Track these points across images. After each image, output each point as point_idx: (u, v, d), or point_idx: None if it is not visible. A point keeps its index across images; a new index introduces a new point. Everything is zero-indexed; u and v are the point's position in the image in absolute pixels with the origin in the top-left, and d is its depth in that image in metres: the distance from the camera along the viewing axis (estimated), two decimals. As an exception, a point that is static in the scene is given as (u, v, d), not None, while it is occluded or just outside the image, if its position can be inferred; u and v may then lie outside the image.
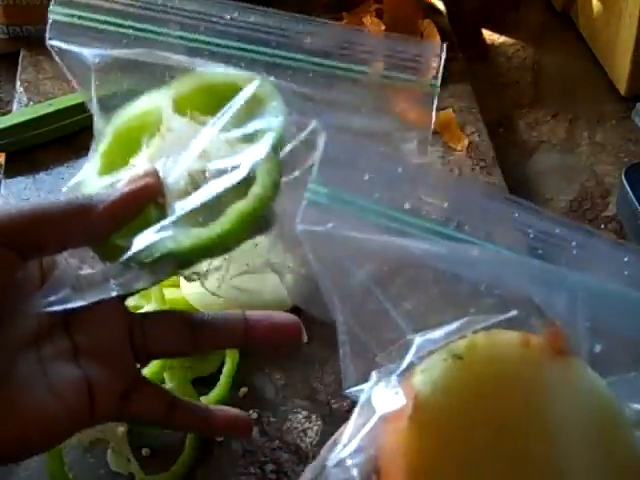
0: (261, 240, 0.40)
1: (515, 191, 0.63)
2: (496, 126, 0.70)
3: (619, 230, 0.62)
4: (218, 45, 0.40)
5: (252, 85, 0.39)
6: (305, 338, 0.43)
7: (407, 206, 0.31)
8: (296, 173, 0.31)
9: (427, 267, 0.31)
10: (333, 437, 0.31)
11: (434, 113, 0.34)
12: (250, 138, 0.39)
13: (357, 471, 0.29)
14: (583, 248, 0.31)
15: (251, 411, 0.50)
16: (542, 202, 0.64)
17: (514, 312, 0.31)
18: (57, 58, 0.40)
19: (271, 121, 0.39)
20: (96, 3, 0.40)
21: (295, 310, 0.44)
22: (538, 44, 0.78)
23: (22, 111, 0.68)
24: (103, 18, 0.40)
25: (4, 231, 0.36)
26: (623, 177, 0.60)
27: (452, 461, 0.28)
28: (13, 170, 0.66)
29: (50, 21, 0.39)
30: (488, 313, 0.31)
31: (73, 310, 0.38)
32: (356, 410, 0.31)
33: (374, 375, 0.31)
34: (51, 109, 0.67)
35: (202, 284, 0.44)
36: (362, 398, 0.31)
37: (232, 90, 0.40)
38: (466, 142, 0.66)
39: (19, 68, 0.74)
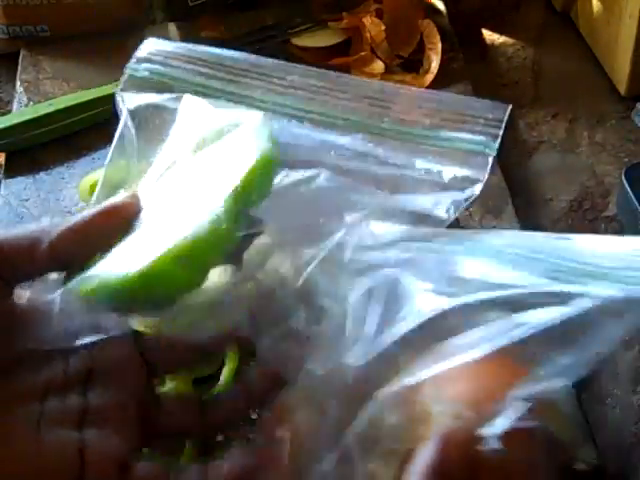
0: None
1: (515, 191, 0.63)
2: (496, 126, 0.70)
3: (619, 230, 0.62)
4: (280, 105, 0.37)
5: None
6: None
7: None
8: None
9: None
10: None
11: (486, 175, 0.33)
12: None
13: None
14: None
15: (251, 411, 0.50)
16: (542, 202, 0.64)
17: None
18: (121, 105, 0.39)
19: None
20: (169, 62, 0.39)
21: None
22: (538, 44, 0.78)
23: (22, 111, 0.68)
24: (176, 75, 0.38)
25: None
26: (623, 177, 0.60)
27: None
28: (13, 170, 0.66)
29: (125, 76, 0.39)
30: None
31: (93, 368, 0.36)
32: None
33: None
34: (51, 109, 0.67)
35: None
36: None
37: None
38: (466, 142, 0.66)
39: (19, 68, 0.74)
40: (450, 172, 0.33)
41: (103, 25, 0.76)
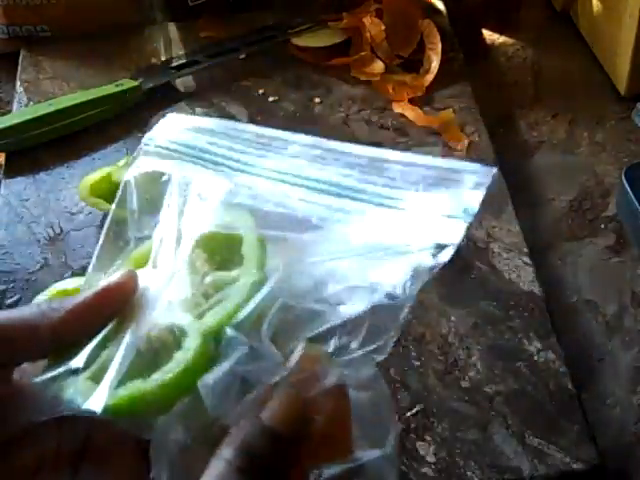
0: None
1: (515, 191, 0.63)
2: (496, 126, 0.70)
3: (619, 230, 0.62)
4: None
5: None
6: None
7: None
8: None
9: None
10: None
11: (458, 241, 0.30)
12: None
13: None
14: None
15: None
16: (543, 202, 0.64)
17: None
18: (131, 167, 0.38)
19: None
20: (181, 134, 0.38)
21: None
22: (538, 44, 0.78)
23: (22, 111, 0.68)
24: (185, 144, 0.38)
25: None
26: (623, 177, 0.60)
27: None
28: (13, 170, 0.66)
29: (142, 147, 0.38)
30: None
31: (88, 444, 0.35)
32: None
33: None
34: (51, 109, 0.67)
35: None
36: None
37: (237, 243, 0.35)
38: (466, 142, 0.66)
39: (19, 68, 0.74)
40: (419, 240, 0.31)
41: (103, 25, 0.76)
